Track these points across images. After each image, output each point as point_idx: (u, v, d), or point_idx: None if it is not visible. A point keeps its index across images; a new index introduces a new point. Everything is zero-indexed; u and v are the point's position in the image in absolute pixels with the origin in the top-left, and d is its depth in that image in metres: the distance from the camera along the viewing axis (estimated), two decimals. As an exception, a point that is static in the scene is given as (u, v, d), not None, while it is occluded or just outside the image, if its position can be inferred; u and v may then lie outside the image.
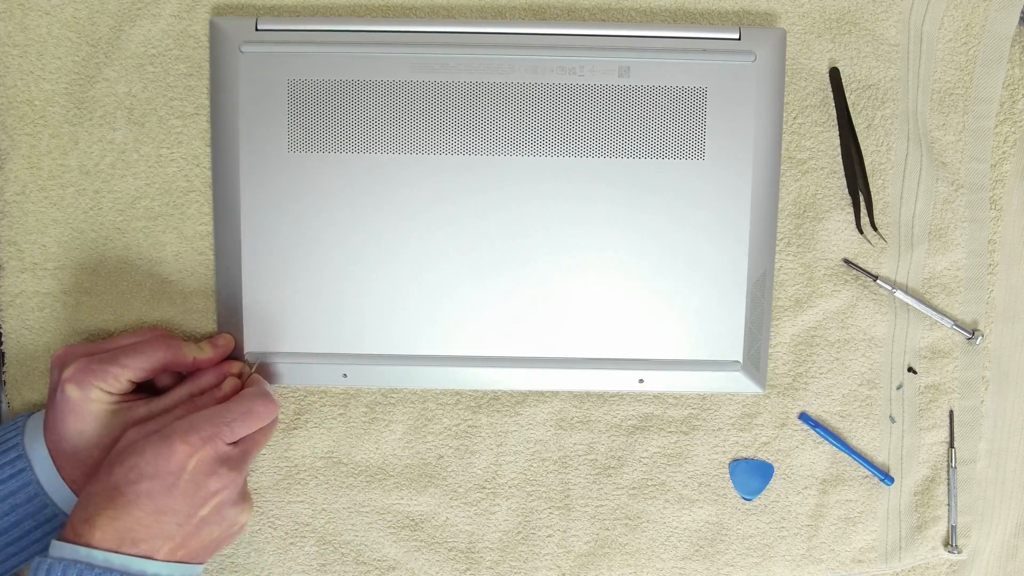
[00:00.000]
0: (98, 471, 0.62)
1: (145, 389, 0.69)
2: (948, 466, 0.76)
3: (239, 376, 0.71)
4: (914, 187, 0.75)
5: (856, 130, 0.74)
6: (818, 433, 0.75)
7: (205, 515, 0.62)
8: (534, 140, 0.71)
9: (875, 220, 0.75)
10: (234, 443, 0.64)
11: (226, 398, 0.68)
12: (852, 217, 0.75)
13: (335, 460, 0.75)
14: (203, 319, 0.74)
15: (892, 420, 0.76)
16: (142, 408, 0.66)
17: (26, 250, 0.73)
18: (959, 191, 0.75)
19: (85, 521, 0.59)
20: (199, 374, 0.69)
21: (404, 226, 0.71)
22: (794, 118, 0.74)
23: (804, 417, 0.75)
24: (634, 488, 0.75)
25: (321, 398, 0.75)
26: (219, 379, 0.69)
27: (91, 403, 0.64)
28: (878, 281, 0.75)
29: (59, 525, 0.67)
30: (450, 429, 0.75)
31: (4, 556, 0.66)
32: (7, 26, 0.72)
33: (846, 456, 0.75)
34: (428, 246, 0.71)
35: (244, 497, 0.66)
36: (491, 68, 0.71)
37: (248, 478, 0.73)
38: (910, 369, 0.76)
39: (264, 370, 0.72)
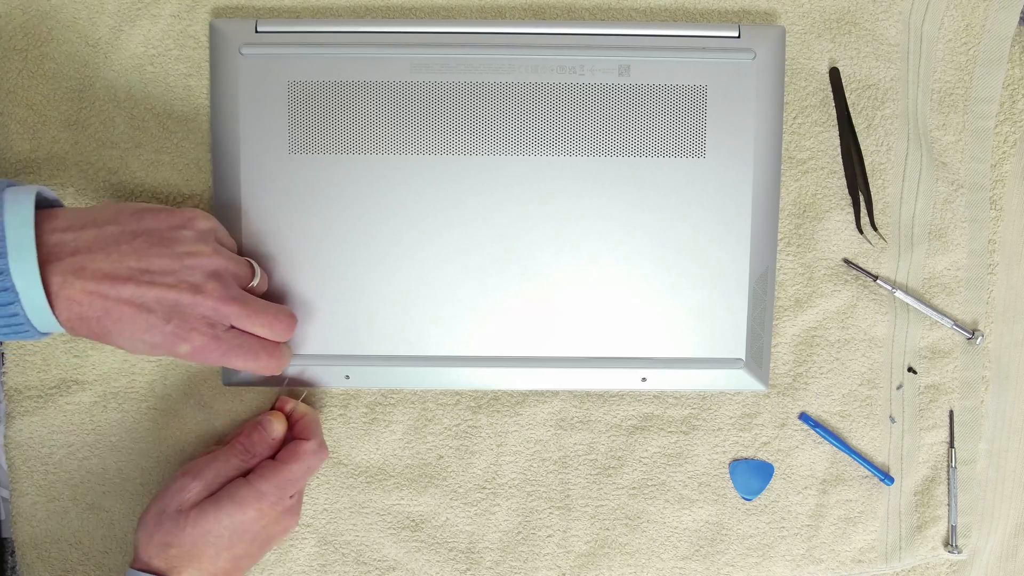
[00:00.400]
0: (161, 521, 0.66)
1: None
2: (948, 466, 0.76)
3: (286, 411, 0.72)
4: (914, 187, 0.75)
5: (856, 130, 0.74)
6: (818, 433, 0.75)
7: (269, 547, 0.70)
8: (534, 140, 0.71)
9: (875, 220, 0.75)
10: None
11: (277, 444, 0.70)
12: (852, 217, 0.75)
13: (335, 460, 0.75)
14: (203, 320, 0.74)
15: (892, 420, 0.76)
16: (208, 471, 0.67)
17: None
18: (959, 191, 0.75)
19: (174, 571, 0.65)
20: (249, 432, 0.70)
21: (405, 227, 0.71)
22: (794, 118, 0.74)
23: (804, 417, 0.75)
24: (634, 488, 0.75)
25: (321, 398, 0.75)
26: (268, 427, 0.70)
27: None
28: (878, 281, 0.75)
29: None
30: (450, 429, 0.75)
31: None
32: (7, 28, 0.72)
33: (846, 456, 0.76)
34: (429, 246, 0.71)
35: (297, 523, 0.73)
36: (491, 68, 0.71)
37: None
38: (910, 369, 0.76)
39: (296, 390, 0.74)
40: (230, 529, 0.65)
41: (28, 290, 0.57)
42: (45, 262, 0.58)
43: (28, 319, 0.58)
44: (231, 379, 0.73)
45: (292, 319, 0.67)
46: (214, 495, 0.66)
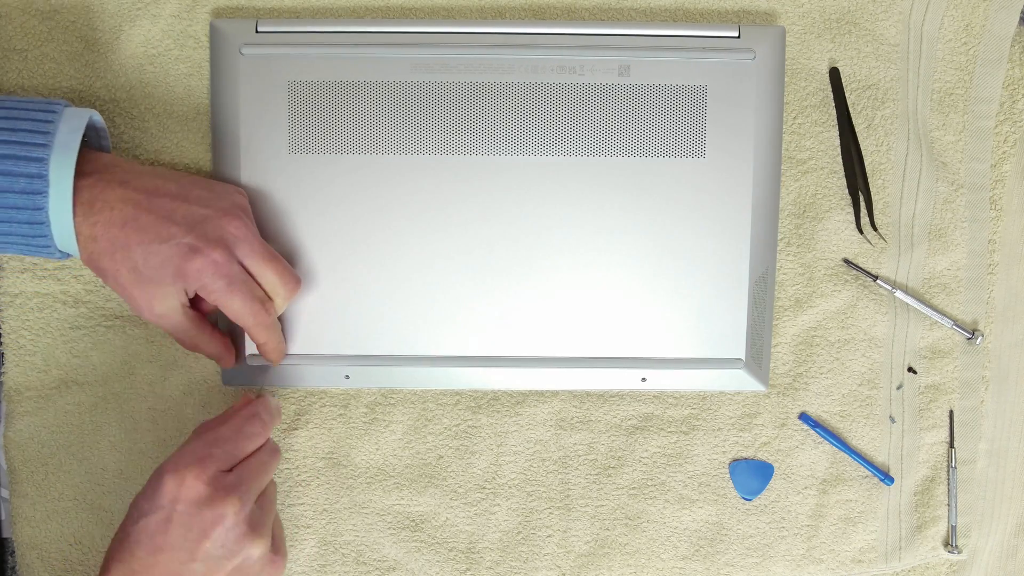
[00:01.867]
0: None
1: None
2: (948, 466, 0.76)
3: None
4: (914, 187, 0.75)
5: (856, 130, 0.74)
6: (818, 433, 0.75)
7: (208, 549, 0.59)
8: (534, 140, 0.71)
9: (875, 220, 0.75)
10: (229, 470, 0.62)
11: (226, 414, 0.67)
12: (852, 217, 0.75)
13: (335, 461, 0.75)
14: (203, 320, 0.74)
15: (892, 420, 0.76)
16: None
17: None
18: (959, 191, 0.75)
19: (104, 570, 0.60)
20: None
21: (405, 227, 0.71)
22: (794, 118, 0.74)
23: (804, 417, 0.75)
24: (634, 488, 0.75)
25: (321, 399, 0.75)
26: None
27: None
28: (878, 281, 0.75)
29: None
30: (450, 429, 0.75)
31: None
32: (7, 28, 0.72)
33: (846, 456, 0.76)
34: (429, 246, 0.71)
35: (254, 528, 0.61)
36: (491, 68, 0.71)
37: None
38: (910, 369, 0.76)
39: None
40: (149, 500, 0.60)
41: (59, 184, 0.60)
42: (90, 172, 0.63)
43: (49, 219, 0.61)
44: (231, 379, 0.73)
45: (298, 282, 0.68)
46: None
